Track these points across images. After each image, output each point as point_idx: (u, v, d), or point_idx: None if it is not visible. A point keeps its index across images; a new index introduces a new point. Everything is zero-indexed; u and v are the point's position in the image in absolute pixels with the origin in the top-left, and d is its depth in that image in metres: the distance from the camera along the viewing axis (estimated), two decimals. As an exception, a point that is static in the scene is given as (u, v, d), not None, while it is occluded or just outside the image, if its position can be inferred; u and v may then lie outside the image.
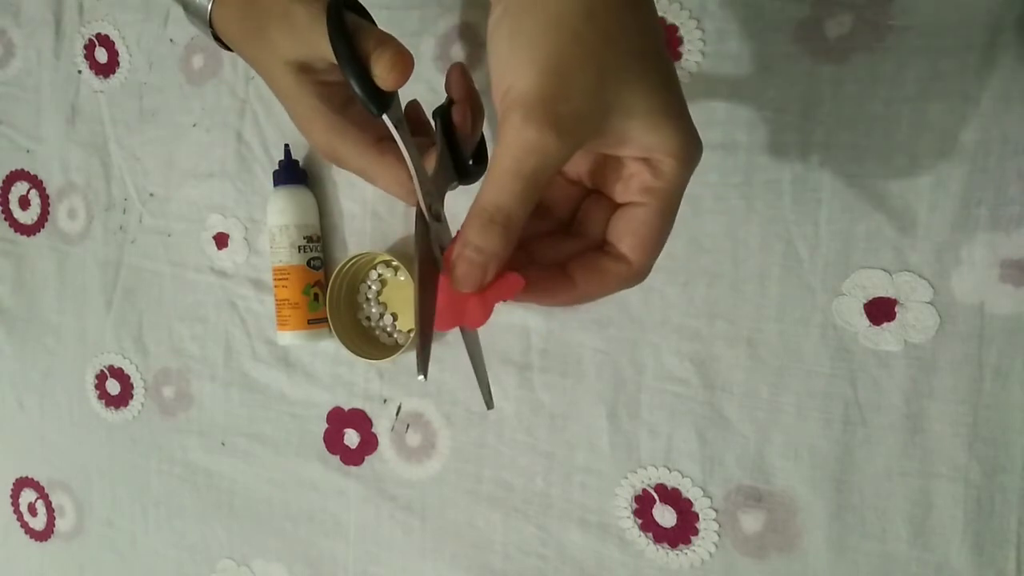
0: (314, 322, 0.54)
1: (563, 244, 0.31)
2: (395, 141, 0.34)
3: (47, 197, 0.68)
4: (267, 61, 0.37)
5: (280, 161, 0.56)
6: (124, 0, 0.63)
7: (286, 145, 0.56)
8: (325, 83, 0.36)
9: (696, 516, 0.47)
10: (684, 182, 0.29)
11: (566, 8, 0.26)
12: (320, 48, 0.34)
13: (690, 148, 0.28)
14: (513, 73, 0.26)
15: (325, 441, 0.58)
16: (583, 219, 0.32)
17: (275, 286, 0.55)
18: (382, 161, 0.36)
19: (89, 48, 0.64)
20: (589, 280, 0.30)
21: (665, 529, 0.48)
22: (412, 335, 0.51)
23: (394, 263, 0.54)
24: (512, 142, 0.26)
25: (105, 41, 0.64)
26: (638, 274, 0.30)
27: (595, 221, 0.31)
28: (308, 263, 0.54)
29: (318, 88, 0.36)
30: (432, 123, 0.37)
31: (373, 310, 0.55)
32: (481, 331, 0.54)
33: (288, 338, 0.55)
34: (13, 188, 0.69)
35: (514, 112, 0.26)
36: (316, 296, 0.54)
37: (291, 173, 0.55)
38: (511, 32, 0.27)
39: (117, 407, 0.66)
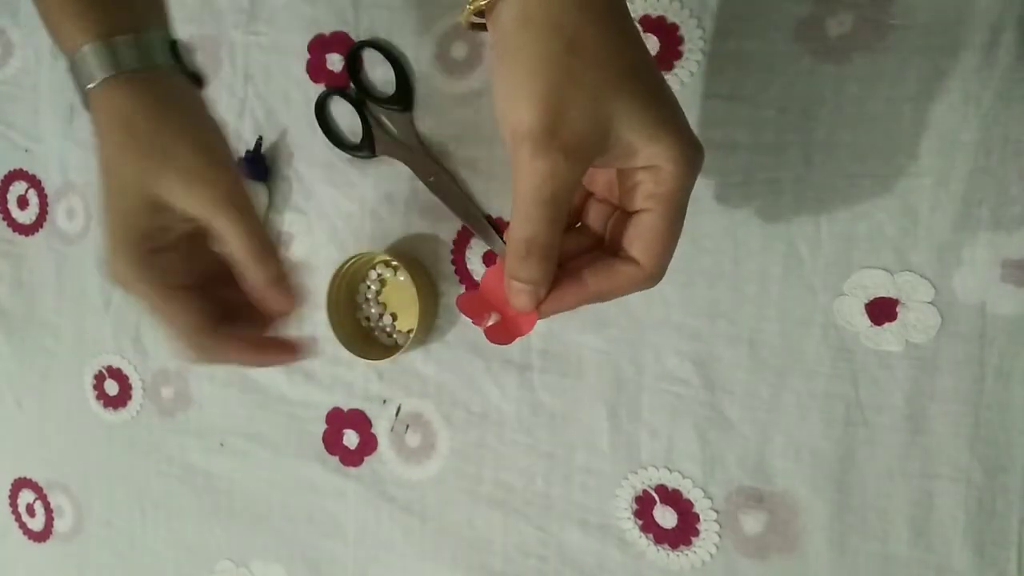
0: None
1: (591, 255, 0.34)
2: (183, 292, 0.36)
3: (45, 197, 0.68)
4: (128, 182, 0.36)
5: (247, 151, 0.56)
6: None
7: (259, 138, 0.56)
8: (165, 226, 0.36)
9: (697, 517, 0.47)
10: (685, 186, 0.30)
11: (551, 47, 0.28)
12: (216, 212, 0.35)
13: (687, 153, 0.30)
14: (515, 113, 0.29)
15: (324, 442, 0.57)
16: (610, 233, 0.34)
17: None
18: (171, 306, 0.37)
19: (88, 47, 0.64)
20: (599, 279, 0.32)
21: (666, 530, 0.47)
22: (412, 335, 0.51)
23: (393, 263, 0.53)
24: (528, 174, 0.29)
25: (104, 40, 0.63)
26: (649, 277, 0.32)
27: (619, 233, 0.33)
28: None
29: (158, 222, 0.36)
30: None
31: (372, 310, 0.55)
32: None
33: None
34: (11, 188, 0.69)
35: (522, 147, 0.28)
36: None
37: (252, 167, 0.56)
38: (506, 76, 0.29)
39: (116, 408, 0.66)
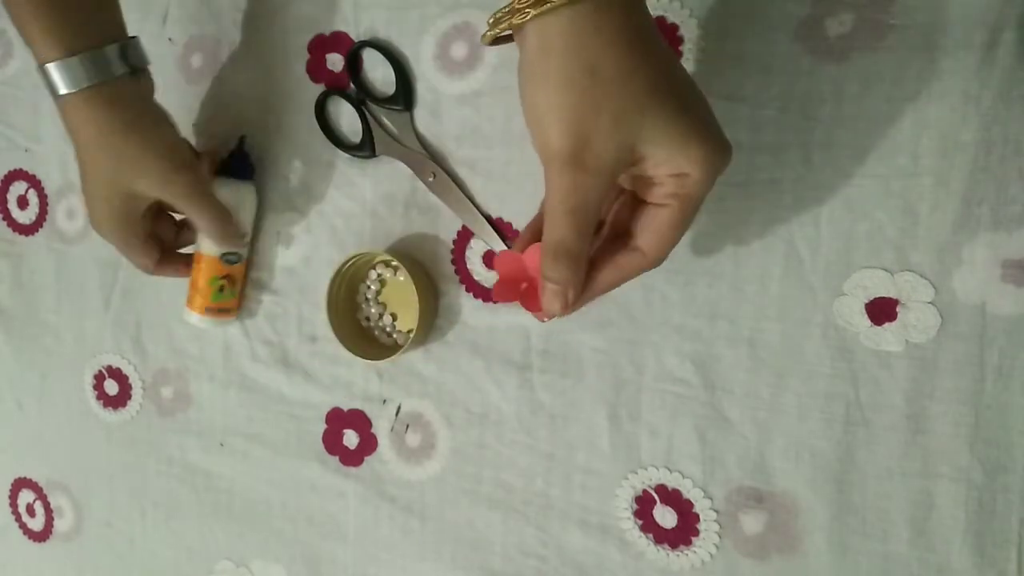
0: (219, 311, 0.57)
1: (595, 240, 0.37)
2: (145, 236, 0.54)
3: (45, 197, 0.68)
4: (105, 180, 0.49)
5: (231, 152, 0.56)
6: (123, -1, 0.62)
7: (241, 137, 0.56)
8: (136, 205, 0.51)
9: (697, 517, 0.47)
10: (707, 187, 0.33)
11: (571, 71, 0.30)
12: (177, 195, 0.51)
13: (713, 157, 0.32)
14: (543, 133, 0.31)
15: (324, 442, 0.57)
16: (615, 215, 0.37)
17: (192, 266, 0.57)
18: (134, 247, 0.53)
19: (88, 47, 0.64)
20: (607, 271, 0.35)
21: (666, 530, 0.47)
22: (411, 335, 0.51)
23: (393, 263, 0.53)
24: (556, 188, 0.32)
25: (104, 40, 0.63)
26: (652, 263, 0.35)
27: (625, 217, 0.36)
28: (222, 256, 0.56)
29: (131, 203, 0.51)
30: None
31: (372, 310, 0.55)
32: (481, 332, 0.54)
33: (193, 318, 0.57)
34: (11, 188, 0.69)
35: (551, 166, 0.31)
36: (222, 288, 0.56)
37: (236, 166, 0.56)
38: (533, 100, 0.31)
39: (115, 408, 0.66)
